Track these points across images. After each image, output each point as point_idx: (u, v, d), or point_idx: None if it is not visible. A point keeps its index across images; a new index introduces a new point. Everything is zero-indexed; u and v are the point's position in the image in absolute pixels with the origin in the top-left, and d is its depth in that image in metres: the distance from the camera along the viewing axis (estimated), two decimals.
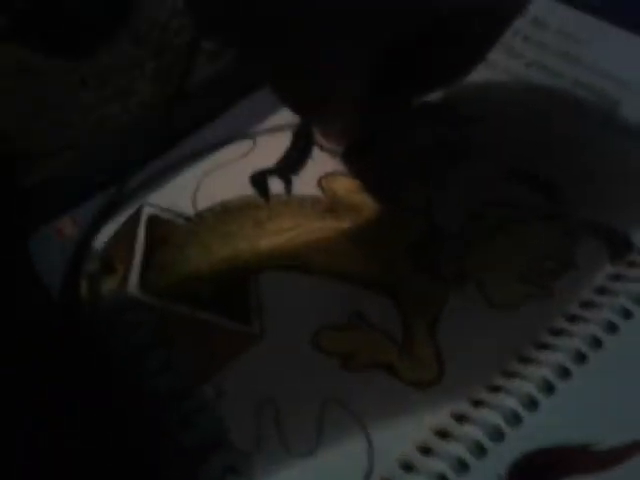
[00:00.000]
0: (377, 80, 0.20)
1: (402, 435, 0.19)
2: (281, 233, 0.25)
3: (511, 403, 0.19)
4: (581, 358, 0.19)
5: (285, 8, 0.17)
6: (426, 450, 0.18)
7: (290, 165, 0.27)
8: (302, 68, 0.19)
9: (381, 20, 0.18)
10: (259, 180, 0.26)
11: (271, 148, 0.27)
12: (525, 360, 0.19)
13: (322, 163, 0.27)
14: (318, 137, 0.27)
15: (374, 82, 0.19)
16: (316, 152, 0.27)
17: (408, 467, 0.18)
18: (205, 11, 0.19)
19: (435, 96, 0.28)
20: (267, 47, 0.19)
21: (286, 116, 0.26)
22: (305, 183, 0.26)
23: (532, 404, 0.19)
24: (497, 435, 0.18)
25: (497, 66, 0.28)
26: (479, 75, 0.28)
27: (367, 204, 0.25)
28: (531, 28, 0.29)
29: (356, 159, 0.26)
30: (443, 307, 0.21)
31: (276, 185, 0.26)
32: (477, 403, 0.19)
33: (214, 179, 0.27)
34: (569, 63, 0.28)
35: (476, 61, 0.21)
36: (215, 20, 0.19)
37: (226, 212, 0.26)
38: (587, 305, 0.20)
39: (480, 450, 0.18)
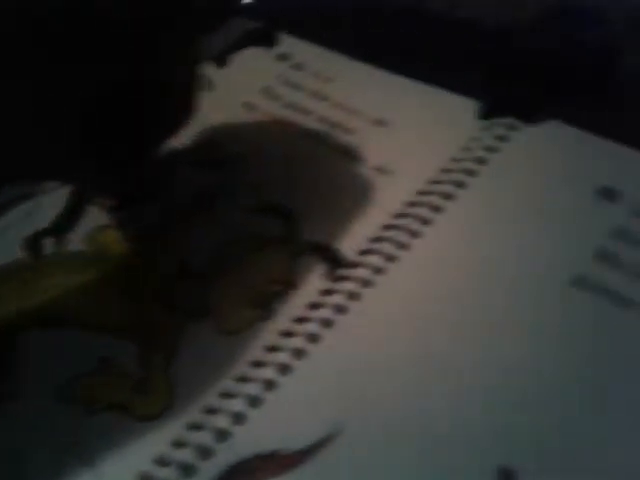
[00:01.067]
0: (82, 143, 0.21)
1: (125, 468, 0.20)
2: (47, 291, 0.26)
3: (222, 422, 0.20)
4: (286, 369, 0.21)
5: None
6: (147, 478, 0.20)
7: (62, 224, 0.28)
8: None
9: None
10: (32, 242, 0.28)
11: (52, 208, 0.29)
12: (241, 379, 0.21)
13: (94, 218, 0.28)
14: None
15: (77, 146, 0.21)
16: (89, 208, 0.29)
17: None
18: None
19: (200, 139, 0.30)
20: None
21: None
22: (77, 239, 0.27)
23: (240, 419, 0.20)
24: (207, 454, 0.20)
25: (258, 109, 0.31)
26: (241, 117, 0.31)
27: (126, 253, 0.26)
28: (291, 71, 0.32)
29: (121, 210, 0.28)
30: (180, 341, 0.23)
31: (51, 244, 0.28)
32: (193, 427, 0.20)
33: None
34: (318, 101, 0.30)
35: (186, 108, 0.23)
36: None
37: None
38: (300, 320, 0.22)
39: (191, 470, 0.19)
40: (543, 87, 0.26)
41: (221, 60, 0.33)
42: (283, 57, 0.32)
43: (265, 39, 0.34)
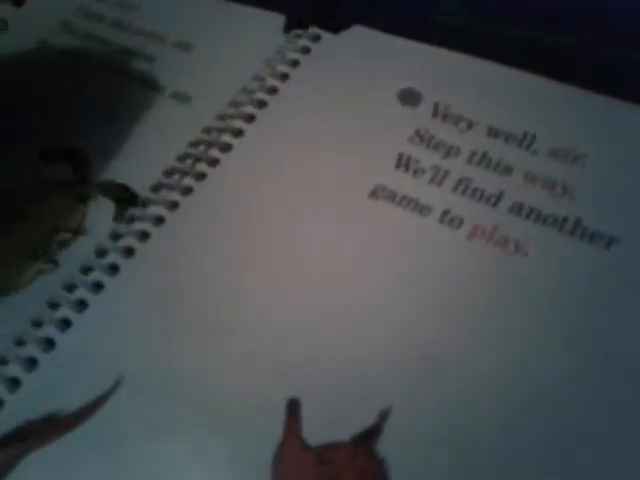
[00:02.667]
0: None
1: None
2: None
3: None
4: (66, 325, 0.18)
5: None
6: None
7: None
8: None
9: None
10: None
11: None
12: (19, 341, 0.18)
13: None
14: None
15: None
16: None
17: None
18: None
19: None
20: None
21: None
22: None
23: (14, 385, 0.17)
24: None
25: (53, 46, 0.27)
26: (34, 56, 0.27)
27: None
28: (92, 3, 0.28)
29: None
30: None
31: None
32: None
33: None
34: (119, 30, 0.27)
35: None
36: None
37: None
38: (85, 270, 0.20)
39: None
40: None
41: None
42: None
43: None
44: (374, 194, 0.19)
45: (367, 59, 0.22)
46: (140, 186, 0.21)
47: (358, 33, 0.23)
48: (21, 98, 0.25)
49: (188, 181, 0.21)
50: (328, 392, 0.17)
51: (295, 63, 0.23)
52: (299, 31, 0.24)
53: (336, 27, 0.23)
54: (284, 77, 0.23)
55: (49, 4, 0.29)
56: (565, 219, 0.19)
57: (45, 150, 0.23)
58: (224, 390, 0.17)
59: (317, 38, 0.23)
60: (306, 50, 0.23)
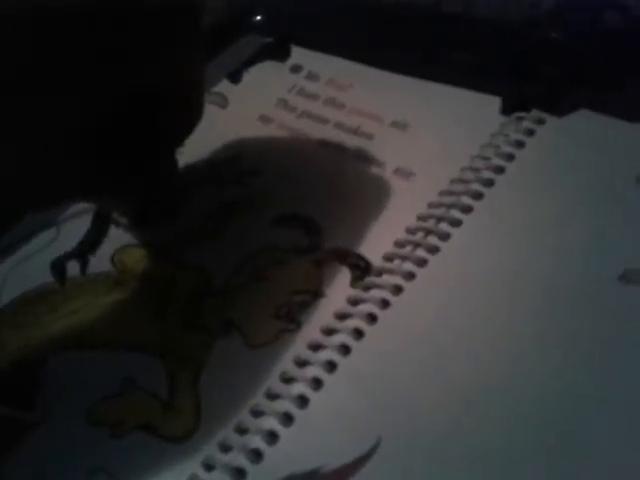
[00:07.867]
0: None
1: None
2: (71, 314, 0.25)
3: (254, 442, 0.18)
4: (318, 384, 0.19)
5: None
6: None
7: (86, 247, 0.27)
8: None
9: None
10: (57, 266, 0.26)
11: (74, 233, 0.27)
12: (271, 396, 0.19)
13: (117, 239, 0.27)
14: (115, 214, 0.27)
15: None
16: (112, 229, 0.27)
17: None
18: None
19: (218, 155, 0.29)
20: None
21: None
22: (100, 260, 0.26)
23: (273, 438, 0.18)
24: (240, 476, 0.18)
25: (272, 121, 0.29)
26: (257, 131, 0.29)
27: (150, 272, 0.25)
28: (305, 82, 0.31)
29: (140, 228, 0.27)
30: (207, 357, 0.21)
31: (75, 268, 0.26)
32: (225, 448, 0.19)
33: (19, 272, 0.27)
34: (334, 109, 0.29)
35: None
36: None
37: (24, 303, 0.26)
38: (329, 332, 0.20)
39: None
40: (565, 79, 0.24)
41: (235, 76, 0.32)
42: (296, 69, 0.31)
43: (279, 52, 0.32)
44: (623, 278, 0.19)
45: (598, 143, 0.22)
46: (372, 255, 0.22)
47: (583, 116, 0.23)
48: (254, 171, 0.27)
49: (421, 252, 0.22)
50: None
51: (518, 144, 0.23)
52: (521, 113, 0.24)
53: (561, 110, 0.23)
54: (509, 157, 0.23)
55: (264, 81, 0.31)
56: None
57: (279, 217, 0.25)
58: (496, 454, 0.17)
59: (540, 121, 0.24)
60: (529, 132, 0.24)
